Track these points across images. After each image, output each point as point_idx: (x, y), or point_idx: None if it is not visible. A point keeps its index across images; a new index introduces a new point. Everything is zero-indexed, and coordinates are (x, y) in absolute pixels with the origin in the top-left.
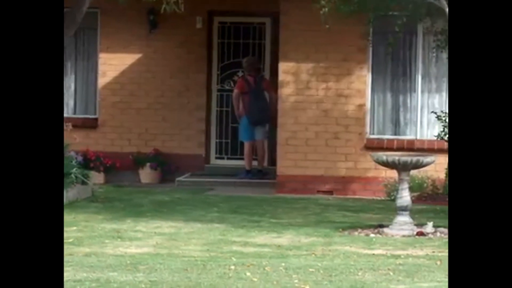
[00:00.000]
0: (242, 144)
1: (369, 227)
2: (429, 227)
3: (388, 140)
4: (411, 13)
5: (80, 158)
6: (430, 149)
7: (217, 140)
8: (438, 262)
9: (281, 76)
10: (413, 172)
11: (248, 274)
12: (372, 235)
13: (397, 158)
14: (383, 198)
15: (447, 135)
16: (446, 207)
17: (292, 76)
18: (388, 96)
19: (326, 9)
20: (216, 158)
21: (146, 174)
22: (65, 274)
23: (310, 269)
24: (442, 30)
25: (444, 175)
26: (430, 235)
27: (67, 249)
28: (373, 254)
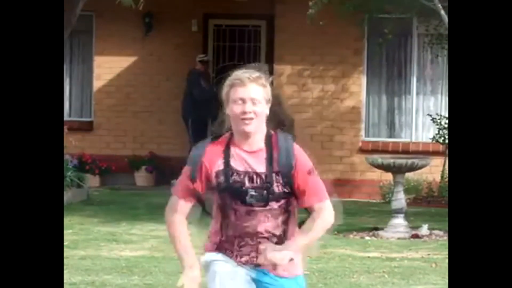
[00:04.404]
0: None
1: (364, 229)
2: (424, 230)
3: (383, 142)
4: (405, 14)
5: (75, 161)
6: (425, 152)
7: None
8: (433, 265)
9: (276, 79)
10: (408, 174)
11: None
12: (367, 237)
13: (392, 160)
14: (378, 200)
15: (442, 138)
16: (441, 210)
17: (287, 79)
18: (383, 98)
19: (313, 10)
20: None
21: (141, 177)
22: None
23: (305, 272)
24: (441, 34)
25: (440, 177)
26: (425, 238)
27: None
28: (368, 256)
